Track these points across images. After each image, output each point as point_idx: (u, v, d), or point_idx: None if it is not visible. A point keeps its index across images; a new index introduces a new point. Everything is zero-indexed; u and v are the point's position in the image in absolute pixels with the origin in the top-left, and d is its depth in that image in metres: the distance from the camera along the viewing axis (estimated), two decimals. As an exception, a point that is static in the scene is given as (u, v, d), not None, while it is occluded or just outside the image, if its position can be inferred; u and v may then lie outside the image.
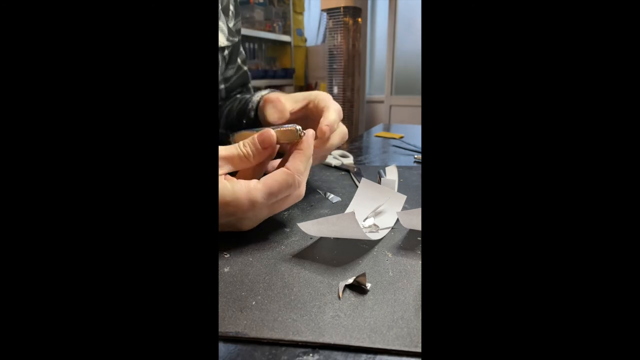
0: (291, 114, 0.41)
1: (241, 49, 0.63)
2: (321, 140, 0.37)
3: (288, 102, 0.41)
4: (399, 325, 0.21)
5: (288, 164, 0.31)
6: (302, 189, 0.33)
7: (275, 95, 0.42)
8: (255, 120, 0.47)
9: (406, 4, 2.56)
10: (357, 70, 2.62)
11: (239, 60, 0.63)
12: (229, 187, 0.29)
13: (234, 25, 0.58)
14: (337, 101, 0.41)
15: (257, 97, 0.48)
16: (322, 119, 0.37)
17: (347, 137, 0.41)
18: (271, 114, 0.40)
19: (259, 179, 0.30)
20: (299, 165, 0.31)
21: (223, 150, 0.31)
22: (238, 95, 0.63)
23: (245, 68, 0.65)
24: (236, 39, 0.60)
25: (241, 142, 0.32)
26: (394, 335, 0.20)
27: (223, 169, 0.31)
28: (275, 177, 0.30)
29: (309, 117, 0.41)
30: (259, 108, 0.46)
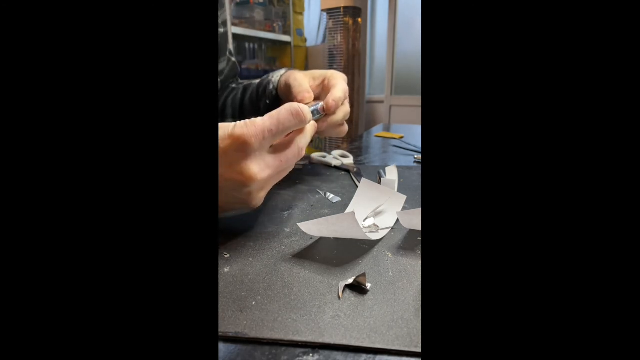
0: (312, 89, 0.45)
1: (229, 42, 0.64)
2: (327, 114, 0.41)
3: (308, 78, 0.46)
4: (399, 325, 0.21)
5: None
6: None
7: (299, 74, 0.45)
8: (277, 99, 0.50)
9: (406, 4, 2.56)
10: (357, 70, 2.62)
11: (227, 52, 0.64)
12: (225, 129, 0.26)
13: (220, 16, 0.59)
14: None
15: (276, 76, 0.50)
16: (329, 95, 0.42)
17: (349, 115, 0.46)
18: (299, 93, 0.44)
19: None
20: (308, 136, 0.33)
21: None
22: (232, 85, 0.63)
23: (234, 59, 0.66)
24: (222, 30, 0.61)
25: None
26: (394, 335, 0.20)
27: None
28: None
29: (323, 92, 0.46)
30: (279, 87, 0.49)
